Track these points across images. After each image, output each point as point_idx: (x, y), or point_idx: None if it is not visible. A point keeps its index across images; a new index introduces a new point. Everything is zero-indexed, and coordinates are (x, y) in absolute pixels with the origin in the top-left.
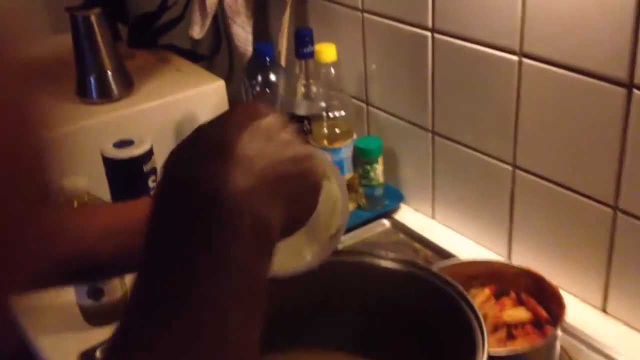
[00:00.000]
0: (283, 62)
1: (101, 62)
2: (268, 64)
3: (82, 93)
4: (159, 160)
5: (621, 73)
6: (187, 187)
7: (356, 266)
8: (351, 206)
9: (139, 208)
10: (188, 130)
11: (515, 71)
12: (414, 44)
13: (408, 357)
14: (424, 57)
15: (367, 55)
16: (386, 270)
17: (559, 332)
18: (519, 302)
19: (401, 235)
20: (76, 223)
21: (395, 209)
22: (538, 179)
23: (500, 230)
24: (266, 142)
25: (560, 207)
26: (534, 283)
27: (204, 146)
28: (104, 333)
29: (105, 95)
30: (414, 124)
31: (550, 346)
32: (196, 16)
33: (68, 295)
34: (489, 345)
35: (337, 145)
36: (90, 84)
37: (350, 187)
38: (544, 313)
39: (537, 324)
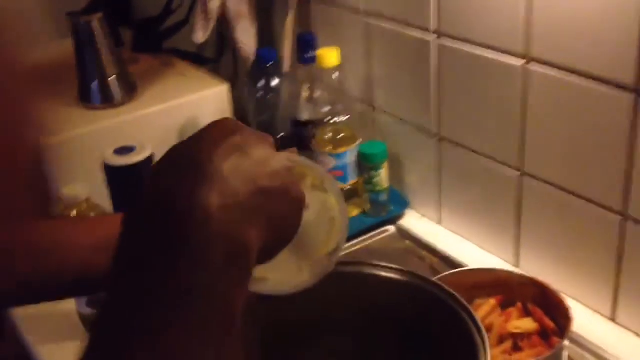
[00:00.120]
0: (287, 67)
1: (103, 67)
2: (270, 69)
3: (85, 99)
4: None
5: (628, 77)
6: (156, 206)
7: (356, 277)
8: (355, 212)
9: None
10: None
11: (521, 75)
12: (418, 47)
13: None
14: (428, 60)
15: (371, 59)
16: (386, 281)
17: (566, 344)
18: (526, 313)
19: (407, 242)
20: (69, 235)
21: (400, 215)
22: (545, 185)
23: (507, 237)
24: (241, 159)
25: (568, 214)
26: (540, 293)
27: (176, 165)
28: None
29: (107, 101)
30: (419, 129)
31: (557, 358)
32: (199, 20)
33: (68, 304)
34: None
35: (341, 150)
36: (93, 90)
37: (355, 192)
38: (550, 324)
39: (544, 334)
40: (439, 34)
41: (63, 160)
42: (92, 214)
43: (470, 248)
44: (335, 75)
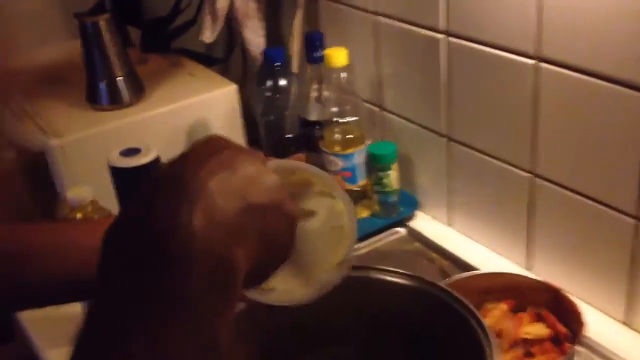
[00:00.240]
0: (295, 67)
1: (111, 67)
2: (278, 69)
3: (93, 99)
4: None
5: None
6: (138, 224)
7: (361, 282)
8: (365, 213)
9: None
10: (199, 136)
11: (532, 75)
12: (427, 47)
13: None
14: (437, 60)
15: (380, 59)
16: (393, 286)
17: (579, 349)
18: (537, 318)
19: (416, 244)
20: (70, 237)
21: (410, 216)
22: (557, 187)
23: (519, 239)
24: (229, 176)
25: (580, 217)
26: (552, 297)
27: (161, 184)
28: None
29: (115, 102)
30: (429, 129)
31: None
32: (207, 20)
33: (76, 307)
34: None
35: (349, 151)
36: (101, 90)
37: (364, 193)
38: (563, 329)
39: (556, 340)
40: (449, 33)
41: (71, 161)
42: (96, 217)
43: (481, 250)
44: (344, 75)
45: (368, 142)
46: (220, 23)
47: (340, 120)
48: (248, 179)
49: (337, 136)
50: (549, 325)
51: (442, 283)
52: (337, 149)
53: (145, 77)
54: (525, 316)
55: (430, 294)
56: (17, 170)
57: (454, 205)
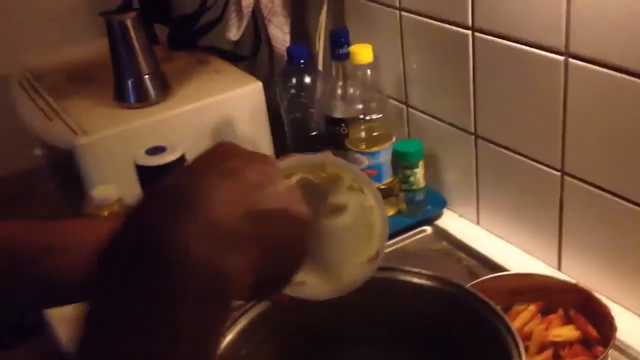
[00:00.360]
0: (321, 64)
1: (138, 66)
2: (302, 66)
3: (120, 97)
4: None
5: None
6: (136, 236)
7: (386, 283)
8: (391, 212)
9: None
10: (225, 133)
11: (562, 72)
12: (454, 43)
13: None
14: (464, 57)
15: (406, 55)
16: (417, 287)
17: (610, 354)
18: (567, 320)
19: (444, 243)
20: (78, 234)
21: (438, 215)
22: (588, 186)
23: (549, 239)
24: (233, 184)
25: (612, 216)
26: (583, 299)
27: (163, 194)
28: None
29: (142, 99)
30: (456, 127)
31: None
32: (232, 17)
33: None
34: None
35: (375, 149)
36: (128, 88)
37: (390, 192)
38: (594, 332)
39: (586, 343)
40: (476, 29)
41: (98, 159)
42: None
43: (509, 250)
44: (369, 71)
45: (393, 139)
46: (245, 20)
47: (366, 118)
48: (252, 186)
49: (363, 134)
50: (579, 328)
51: (470, 284)
52: (362, 146)
53: (171, 75)
54: (554, 318)
55: (455, 296)
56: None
57: (483, 203)
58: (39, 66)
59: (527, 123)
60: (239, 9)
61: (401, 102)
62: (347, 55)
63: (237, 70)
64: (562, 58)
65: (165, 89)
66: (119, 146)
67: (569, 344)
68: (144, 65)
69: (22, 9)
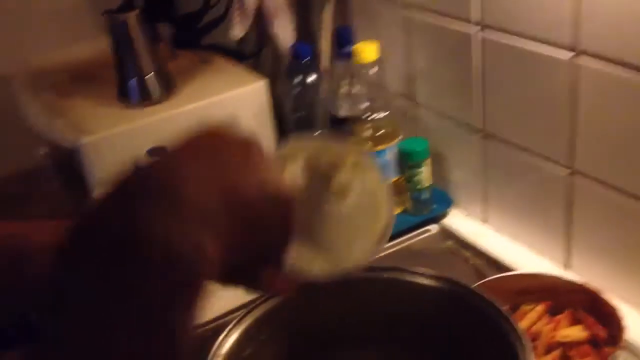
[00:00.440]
0: (325, 62)
1: (141, 64)
2: (306, 64)
3: (123, 96)
4: None
5: None
6: (99, 220)
7: (390, 283)
8: (397, 210)
9: None
10: None
11: (570, 68)
12: (460, 40)
13: None
14: (471, 53)
15: (411, 53)
16: (421, 288)
17: (619, 354)
18: (575, 320)
19: (450, 242)
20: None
21: (444, 214)
22: (596, 184)
23: (557, 238)
24: (209, 162)
25: (621, 215)
26: (591, 300)
27: (133, 177)
28: None
29: (145, 98)
30: (463, 124)
31: None
32: (236, 16)
33: None
34: None
35: (380, 147)
36: (131, 87)
37: (396, 190)
38: (602, 332)
39: (595, 344)
40: (482, 25)
41: (102, 159)
42: None
43: (517, 249)
44: (374, 69)
45: (399, 138)
46: (249, 19)
47: (371, 116)
48: (229, 164)
49: (368, 132)
50: (587, 328)
51: (476, 284)
52: (367, 145)
53: (175, 73)
54: (562, 318)
55: (461, 296)
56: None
57: (489, 202)
58: (42, 66)
59: (535, 120)
60: (243, 8)
61: (407, 101)
62: (351, 54)
63: (241, 68)
64: (571, 54)
65: (168, 87)
66: (123, 145)
67: (577, 344)
68: (147, 64)
69: (24, 8)
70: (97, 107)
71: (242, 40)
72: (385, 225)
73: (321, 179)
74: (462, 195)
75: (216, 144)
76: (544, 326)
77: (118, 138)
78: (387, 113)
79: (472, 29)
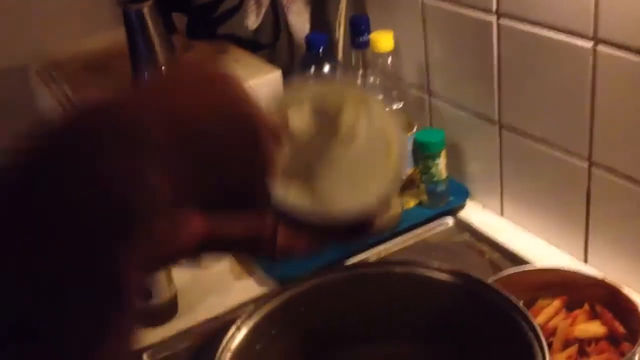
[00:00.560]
0: (341, 52)
1: (155, 55)
2: (322, 54)
3: None
4: None
5: None
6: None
7: (406, 278)
8: (412, 203)
9: None
10: None
11: (590, 58)
12: (477, 29)
13: None
14: (488, 43)
15: (428, 42)
16: (436, 283)
17: (638, 350)
18: (593, 315)
19: (466, 235)
20: None
21: (460, 206)
22: (616, 177)
23: (575, 231)
24: (163, 92)
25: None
26: (610, 294)
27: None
28: (152, 334)
29: None
30: (480, 115)
31: None
32: (251, 5)
33: None
34: None
35: None
36: (145, 78)
37: (411, 182)
38: (620, 328)
39: (613, 339)
40: (501, 14)
41: None
42: None
43: (534, 242)
44: (390, 59)
45: (415, 129)
46: (264, 8)
47: (386, 107)
48: (182, 94)
49: None
50: (605, 323)
51: (492, 278)
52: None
53: None
54: (580, 313)
55: (476, 291)
56: None
57: (507, 194)
58: (57, 56)
59: (553, 111)
60: None
61: (423, 91)
62: (367, 43)
63: (256, 59)
64: (590, 44)
65: None
66: None
67: (595, 340)
68: (161, 55)
69: (40, 0)
70: None
71: (257, 30)
72: (399, 159)
73: (329, 123)
74: (479, 188)
75: (178, 74)
76: (561, 321)
77: None
78: (402, 103)
79: (491, 18)
